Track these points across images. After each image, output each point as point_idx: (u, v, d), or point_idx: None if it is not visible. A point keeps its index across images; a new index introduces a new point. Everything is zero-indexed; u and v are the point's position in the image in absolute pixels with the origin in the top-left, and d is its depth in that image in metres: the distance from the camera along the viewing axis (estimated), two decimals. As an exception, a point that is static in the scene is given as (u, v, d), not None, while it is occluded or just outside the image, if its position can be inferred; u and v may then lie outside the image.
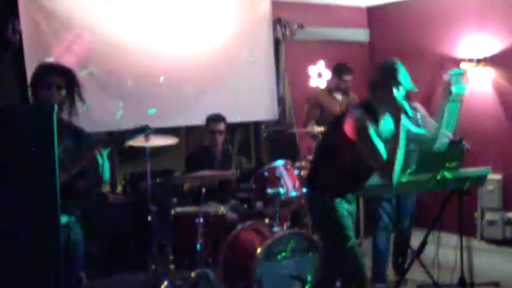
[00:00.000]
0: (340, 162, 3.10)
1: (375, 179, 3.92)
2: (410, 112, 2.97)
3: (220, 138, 4.77)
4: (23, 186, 1.85)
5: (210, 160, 4.71)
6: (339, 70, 5.48)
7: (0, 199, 1.83)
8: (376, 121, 3.05)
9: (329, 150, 3.17)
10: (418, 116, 4.35)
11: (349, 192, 3.19)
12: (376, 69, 3.19)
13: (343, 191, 3.16)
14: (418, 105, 4.39)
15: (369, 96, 3.16)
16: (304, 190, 4.34)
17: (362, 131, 2.95)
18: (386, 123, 3.11)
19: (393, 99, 3.00)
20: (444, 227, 4.07)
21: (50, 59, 4.74)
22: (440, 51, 6.14)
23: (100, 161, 2.73)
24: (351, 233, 3.13)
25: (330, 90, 5.59)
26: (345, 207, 3.15)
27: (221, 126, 4.75)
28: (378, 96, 3.08)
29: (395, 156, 2.91)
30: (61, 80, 2.86)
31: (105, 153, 2.77)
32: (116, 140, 2.86)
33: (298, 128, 5.82)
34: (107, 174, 2.82)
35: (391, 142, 2.96)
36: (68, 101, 2.89)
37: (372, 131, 2.96)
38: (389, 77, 3.05)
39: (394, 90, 3.01)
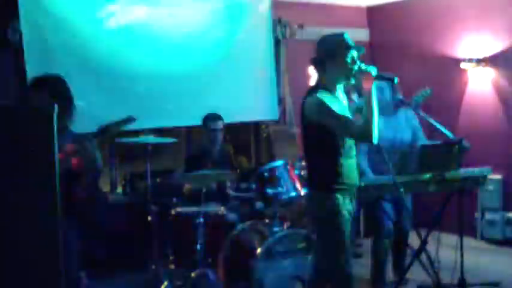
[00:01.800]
0: (327, 150, 3.06)
1: (374, 179, 3.94)
2: (372, 70, 2.92)
3: (219, 137, 4.77)
4: (23, 186, 1.85)
5: (211, 159, 4.71)
6: None
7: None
8: (335, 98, 3.05)
9: (312, 144, 3.15)
10: (412, 124, 4.35)
11: (346, 180, 3.11)
12: (320, 42, 3.12)
13: (341, 181, 3.09)
14: (409, 111, 4.37)
15: (319, 75, 3.11)
16: (304, 191, 4.36)
17: (321, 111, 2.94)
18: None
19: (346, 63, 2.98)
20: (444, 227, 4.08)
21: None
22: (440, 51, 6.14)
23: (93, 151, 2.85)
24: (348, 241, 3.09)
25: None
26: (347, 208, 3.10)
27: (219, 125, 4.75)
28: (332, 69, 3.03)
29: (371, 115, 2.88)
30: (45, 94, 2.90)
31: (94, 142, 2.89)
32: (102, 130, 2.91)
33: (298, 128, 5.81)
34: (99, 162, 2.96)
35: (366, 103, 2.92)
36: (62, 110, 2.90)
37: (329, 104, 2.94)
38: (338, 45, 3.03)
39: (349, 57, 2.99)
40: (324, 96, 2.99)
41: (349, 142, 3.09)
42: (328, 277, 3.24)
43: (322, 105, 2.95)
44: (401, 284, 4.18)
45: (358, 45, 3.09)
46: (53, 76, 3.07)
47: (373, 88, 2.92)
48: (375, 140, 2.93)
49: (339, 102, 3.10)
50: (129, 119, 3.02)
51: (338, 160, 3.05)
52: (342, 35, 3.08)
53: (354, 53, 3.02)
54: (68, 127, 3.03)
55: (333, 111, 2.94)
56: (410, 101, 4.30)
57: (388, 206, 4.20)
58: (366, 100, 2.91)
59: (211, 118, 4.74)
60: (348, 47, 3.02)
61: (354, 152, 3.14)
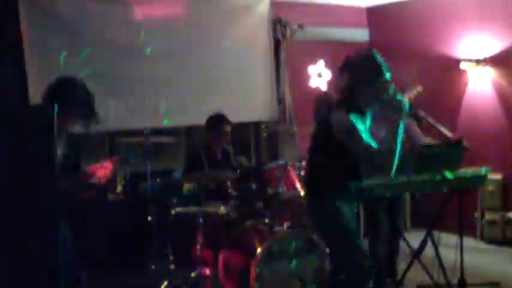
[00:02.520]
0: (336, 160, 3.05)
1: (374, 180, 3.93)
2: (405, 105, 2.87)
3: (225, 140, 4.77)
4: (22, 185, 1.85)
5: (211, 160, 4.71)
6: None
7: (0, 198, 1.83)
8: (363, 121, 2.98)
9: (322, 151, 3.13)
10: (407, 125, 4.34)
11: (347, 186, 3.12)
12: (356, 65, 3.01)
13: (345, 189, 3.11)
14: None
15: (349, 95, 3.01)
16: (302, 193, 4.36)
17: (350, 133, 2.89)
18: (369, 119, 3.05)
19: (384, 92, 2.89)
20: (444, 227, 4.07)
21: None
22: (440, 51, 6.14)
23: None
24: (358, 238, 3.13)
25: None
26: (348, 210, 3.11)
27: (228, 128, 4.75)
28: (364, 94, 2.95)
29: (394, 148, 2.85)
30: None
31: None
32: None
33: (298, 127, 5.81)
34: None
35: (390, 135, 2.89)
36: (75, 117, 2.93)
37: (358, 128, 2.88)
38: (374, 71, 2.91)
39: (382, 81, 2.89)
40: (354, 117, 2.91)
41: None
42: (349, 276, 3.23)
43: (352, 129, 2.88)
44: (400, 284, 4.17)
45: (389, 67, 2.93)
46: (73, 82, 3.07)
47: (401, 127, 2.85)
48: (392, 175, 2.93)
49: (367, 125, 3.03)
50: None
51: (341, 163, 3.06)
52: (371, 57, 2.93)
53: (385, 77, 2.91)
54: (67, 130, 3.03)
55: (359, 136, 2.87)
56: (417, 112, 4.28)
57: (385, 204, 4.20)
58: (394, 130, 2.85)
59: (221, 121, 4.72)
60: (379, 72, 2.89)
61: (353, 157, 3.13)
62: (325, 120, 3.04)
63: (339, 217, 3.07)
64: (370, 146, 2.88)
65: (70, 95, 3.01)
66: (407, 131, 4.28)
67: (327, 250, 3.55)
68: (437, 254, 3.87)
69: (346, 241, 3.09)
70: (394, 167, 2.87)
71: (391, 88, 2.90)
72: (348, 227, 3.09)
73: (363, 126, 2.93)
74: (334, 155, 3.05)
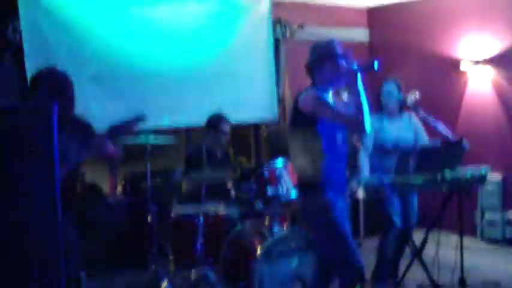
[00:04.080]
0: (312, 151, 3.15)
1: (375, 180, 3.94)
2: (353, 65, 3.11)
3: (225, 139, 4.78)
4: (23, 185, 1.85)
5: (211, 159, 4.71)
6: None
7: None
8: (326, 93, 3.26)
9: (298, 147, 3.22)
10: (414, 125, 4.35)
11: (338, 177, 3.23)
12: (312, 48, 3.37)
13: (333, 179, 3.18)
14: (412, 114, 4.37)
15: (312, 78, 3.36)
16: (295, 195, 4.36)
17: (319, 105, 3.13)
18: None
19: (340, 69, 3.19)
20: (444, 227, 4.07)
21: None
22: (440, 51, 6.14)
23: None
24: (348, 233, 3.16)
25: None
26: (339, 205, 3.18)
27: (228, 127, 4.75)
28: (319, 75, 3.28)
29: (361, 107, 3.07)
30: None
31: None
32: (112, 131, 2.93)
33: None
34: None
35: (354, 97, 3.11)
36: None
37: (325, 99, 3.17)
38: (327, 50, 3.27)
39: (337, 60, 3.22)
40: (319, 92, 3.22)
41: (338, 141, 3.21)
42: (340, 275, 3.27)
43: (317, 98, 3.16)
44: (400, 284, 4.17)
45: (346, 52, 3.27)
46: (50, 71, 3.05)
47: (359, 78, 3.10)
48: (368, 129, 3.11)
49: (332, 99, 3.30)
50: (139, 118, 3.03)
51: (326, 159, 3.15)
52: (330, 42, 3.31)
53: (341, 61, 3.23)
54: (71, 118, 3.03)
55: (328, 103, 3.17)
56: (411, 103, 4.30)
57: (396, 203, 4.20)
58: (355, 92, 3.10)
59: (220, 120, 4.72)
60: (334, 54, 3.24)
61: (343, 152, 3.27)
62: (296, 108, 3.24)
63: (329, 210, 3.14)
64: (339, 110, 3.18)
65: (45, 84, 2.99)
66: (416, 132, 4.30)
67: (316, 245, 3.56)
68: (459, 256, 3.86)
69: (336, 236, 3.15)
70: (367, 123, 3.09)
71: (345, 62, 3.20)
72: (338, 221, 3.15)
73: (329, 99, 3.24)
74: (310, 148, 3.16)
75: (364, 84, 3.12)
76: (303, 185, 3.31)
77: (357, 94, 3.09)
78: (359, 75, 3.11)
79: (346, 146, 3.31)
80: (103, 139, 3.00)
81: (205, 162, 4.56)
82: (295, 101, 3.26)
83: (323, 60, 3.27)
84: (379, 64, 3.08)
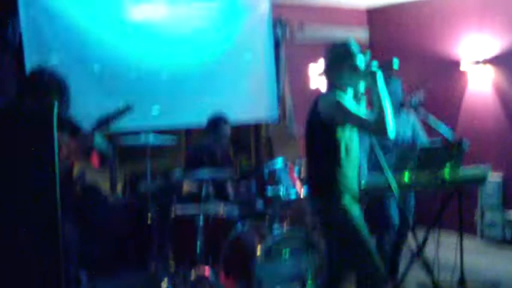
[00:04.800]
0: (331, 155, 3.08)
1: (376, 180, 3.94)
2: (373, 66, 3.05)
3: (225, 141, 4.78)
4: (23, 186, 1.85)
5: (211, 160, 4.71)
6: None
7: (0, 199, 1.83)
8: (348, 98, 3.14)
9: (321, 149, 3.15)
10: (412, 123, 4.35)
11: (354, 183, 3.15)
12: (330, 49, 3.25)
13: (350, 185, 3.11)
14: (410, 112, 4.37)
15: (330, 81, 3.24)
16: (305, 193, 4.35)
17: (340, 110, 3.02)
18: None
19: (359, 70, 3.10)
20: (444, 227, 4.07)
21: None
22: (440, 51, 6.14)
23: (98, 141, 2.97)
24: (367, 234, 3.08)
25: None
26: (356, 211, 3.09)
27: (228, 129, 4.76)
28: (341, 73, 3.15)
29: (383, 110, 2.96)
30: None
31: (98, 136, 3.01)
32: (101, 123, 2.95)
33: (298, 127, 5.81)
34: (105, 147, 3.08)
35: (376, 99, 3.01)
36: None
37: (346, 104, 3.03)
38: (344, 51, 3.15)
39: (355, 61, 3.13)
40: (340, 96, 3.08)
41: (354, 149, 3.14)
42: (360, 281, 3.16)
43: (338, 103, 3.03)
44: (400, 284, 4.17)
45: (363, 51, 3.19)
46: (44, 72, 3.06)
47: (381, 80, 3.02)
48: (391, 134, 2.98)
49: (353, 102, 3.18)
50: (126, 108, 3.05)
51: (344, 165, 3.08)
52: (346, 43, 3.20)
53: (359, 60, 3.13)
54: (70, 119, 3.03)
55: (349, 108, 3.02)
56: (411, 101, 4.30)
57: (393, 203, 4.20)
58: (376, 94, 2.99)
59: (221, 122, 4.72)
60: (352, 55, 3.14)
61: (358, 159, 3.20)
62: (315, 113, 3.14)
63: (348, 217, 3.05)
64: (362, 116, 3.02)
65: (40, 85, 2.99)
66: (414, 131, 4.30)
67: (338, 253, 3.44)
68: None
69: (357, 243, 3.06)
70: (390, 126, 2.98)
71: (364, 62, 3.13)
72: (360, 229, 3.06)
73: (351, 102, 3.11)
74: (329, 153, 3.08)
75: (385, 84, 3.04)
76: (319, 190, 3.19)
77: (378, 96, 2.99)
78: (379, 76, 3.03)
79: (360, 151, 3.27)
80: (88, 135, 3.00)
81: (205, 163, 4.56)
82: (314, 105, 3.16)
83: (340, 63, 3.15)
84: (398, 62, 3.04)
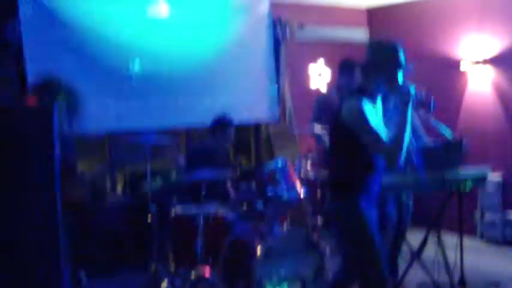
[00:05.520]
0: (354, 157, 2.96)
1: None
2: (412, 89, 2.83)
3: (227, 143, 4.78)
4: (23, 186, 1.85)
5: (211, 159, 4.71)
6: (349, 66, 4.85)
7: (0, 199, 1.83)
8: (374, 102, 2.94)
9: (339, 149, 3.05)
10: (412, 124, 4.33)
11: (371, 186, 3.02)
12: (375, 48, 2.99)
13: (367, 187, 2.99)
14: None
15: (362, 79, 3.01)
16: (305, 191, 4.35)
17: (359, 120, 2.83)
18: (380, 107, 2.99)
19: (397, 82, 2.89)
20: (444, 227, 4.07)
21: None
22: (440, 51, 6.14)
23: None
24: (377, 240, 2.98)
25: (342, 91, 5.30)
26: (373, 216, 3.00)
27: (232, 132, 4.75)
28: (378, 78, 2.91)
29: (401, 140, 2.79)
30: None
31: None
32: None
33: (298, 127, 5.81)
34: None
35: (399, 126, 2.83)
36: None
37: (368, 116, 2.83)
38: (392, 58, 2.90)
39: (398, 73, 2.89)
40: (366, 104, 2.87)
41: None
42: (354, 280, 3.13)
43: (361, 114, 2.83)
44: (400, 284, 4.17)
45: (407, 64, 2.96)
46: (51, 81, 3.06)
47: (409, 111, 2.83)
48: (400, 163, 2.84)
49: (378, 112, 2.99)
50: None
51: (367, 170, 2.97)
52: (397, 48, 2.96)
53: (402, 71, 2.93)
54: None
55: (369, 124, 2.82)
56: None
57: (392, 202, 4.19)
58: (402, 118, 2.82)
59: (228, 126, 4.71)
60: (400, 65, 2.92)
61: (380, 162, 3.04)
62: (337, 114, 2.97)
63: (363, 219, 2.95)
64: (379, 136, 2.83)
65: (52, 95, 2.99)
66: (414, 131, 4.29)
67: (348, 256, 3.36)
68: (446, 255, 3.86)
69: (365, 246, 2.97)
70: (401, 160, 2.82)
71: (404, 80, 2.90)
72: (372, 232, 2.97)
73: (373, 115, 2.89)
74: (352, 154, 2.96)
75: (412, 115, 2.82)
76: (338, 191, 3.06)
77: (404, 121, 2.79)
78: (411, 103, 2.82)
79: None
80: None
81: (205, 163, 4.56)
82: (339, 107, 2.96)
83: (382, 66, 2.90)
84: (434, 105, 2.88)
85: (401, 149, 2.80)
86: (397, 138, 2.81)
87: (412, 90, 2.84)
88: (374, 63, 2.93)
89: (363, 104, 2.85)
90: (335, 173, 3.14)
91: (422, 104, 2.91)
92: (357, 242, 3.02)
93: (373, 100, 2.95)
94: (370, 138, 2.84)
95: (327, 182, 3.21)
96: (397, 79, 2.89)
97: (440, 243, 3.92)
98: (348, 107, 2.90)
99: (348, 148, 2.97)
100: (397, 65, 2.90)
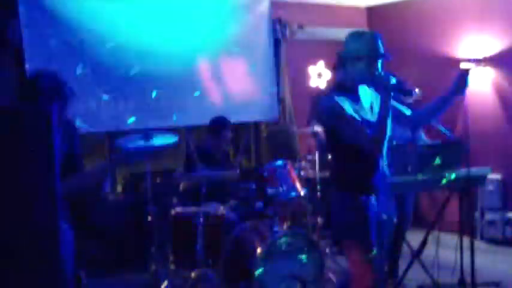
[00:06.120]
0: (347, 156, 2.93)
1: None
2: (392, 79, 2.78)
3: (225, 143, 4.78)
4: (23, 186, 1.85)
5: (211, 160, 4.71)
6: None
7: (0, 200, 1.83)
8: (356, 99, 2.88)
9: (333, 149, 3.04)
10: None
11: (368, 182, 2.95)
12: (353, 39, 2.88)
13: (364, 183, 2.94)
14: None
15: (340, 72, 2.96)
16: (305, 191, 4.35)
17: (338, 119, 2.80)
18: (365, 98, 2.95)
19: (377, 71, 2.83)
20: (444, 227, 4.07)
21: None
22: (440, 51, 6.14)
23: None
24: (372, 243, 2.91)
25: None
26: (370, 209, 2.93)
27: (229, 132, 4.75)
28: (357, 68, 2.84)
29: (383, 129, 2.77)
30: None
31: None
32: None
33: (298, 127, 5.81)
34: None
35: (380, 115, 2.80)
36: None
37: (348, 112, 2.79)
38: (370, 47, 2.81)
39: (377, 62, 2.83)
40: (340, 98, 2.83)
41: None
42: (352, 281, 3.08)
43: (342, 112, 2.79)
44: (400, 284, 4.17)
45: (387, 54, 2.89)
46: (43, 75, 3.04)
47: (390, 97, 2.80)
48: (383, 153, 2.84)
49: (358, 103, 2.92)
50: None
51: (357, 163, 2.92)
52: (376, 37, 2.86)
53: (380, 61, 2.87)
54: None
55: (347, 117, 2.79)
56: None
57: (390, 203, 4.18)
58: (384, 109, 2.79)
59: (223, 126, 4.71)
60: (379, 54, 2.85)
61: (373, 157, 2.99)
62: (318, 115, 3.03)
63: (357, 213, 2.90)
64: (360, 126, 2.80)
65: (39, 88, 2.96)
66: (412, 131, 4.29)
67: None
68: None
69: (364, 247, 2.91)
70: (383, 149, 2.82)
71: (382, 69, 2.86)
72: (364, 227, 2.91)
73: (353, 108, 2.85)
74: (345, 153, 2.93)
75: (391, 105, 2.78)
76: (334, 186, 3.04)
77: (386, 112, 2.76)
78: (391, 94, 2.78)
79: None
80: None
81: (205, 163, 4.56)
82: (317, 104, 3.00)
83: (360, 57, 2.82)
84: (415, 91, 2.85)
85: (384, 137, 2.78)
86: (379, 127, 2.78)
87: (393, 79, 2.79)
88: (353, 54, 2.86)
89: (339, 100, 2.81)
90: (332, 173, 3.13)
91: (404, 92, 2.86)
92: (354, 240, 2.96)
93: (354, 95, 2.90)
94: (350, 130, 2.80)
95: (328, 182, 3.21)
96: (376, 68, 2.84)
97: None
98: (325, 106, 2.87)
99: (339, 147, 2.94)
100: (376, 54, 2.84)
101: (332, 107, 2.82)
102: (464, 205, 3.98)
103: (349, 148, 2.88)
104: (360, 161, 2.91)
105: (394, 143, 4.20)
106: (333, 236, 3.73)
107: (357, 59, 2.84)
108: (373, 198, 2.94)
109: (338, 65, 3.02)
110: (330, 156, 3.24)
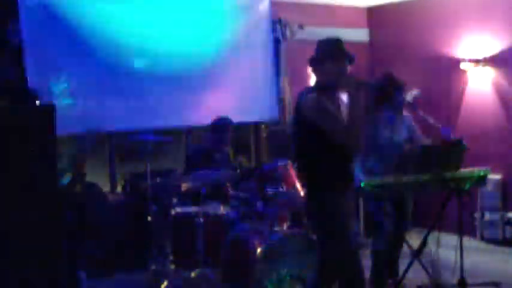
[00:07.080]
0: (323, 151, 3.08)
1: (375, 179, 3.94)
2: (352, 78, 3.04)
3: (226, 144, 4.78)
4: (23, 185, 1.85)
5: (211, 160, 4.71)
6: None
7: (0, 198, 1.83)
8: (333, 99, 3.10)
9: (307, 148, 3.16)
10: (407, 124, 4.34)
11: (345, 179, 3.16)
12: (320, 44, 3.24)
13: (340, 180, 3.13)
14: (406, 114, 4.35)
15: (317, 75, 3.20)
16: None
17: (319, 113, 3.00)
18: None
19: (345, 72, 3.09)
20: (444, 227, 4.07)
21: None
22: (440, 51, 6.14)
23: None
24: (352, 235, 3.09)
25: None
26: (344, 206, 3.11)
27: (229, 135, 4.75)
28: (328, 69, 3.12)
29: (356, 122, 2.97)
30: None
31: None
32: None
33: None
34: None
35: (351, 111, 3.00)
36: None
37: (329, 107, 3.01)
38: (336, 49, 3.14)
39: (345, 62, 3.10)
40: (320, 95, 3.05)
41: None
42: (333, 279, 3.18)
43: (318, 104, 3.01)
44: (400, 284, 4.17)
45: (351, 55, 3.17)
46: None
47: (358, 98, 3.00)
48: (359, 147, 3.04)
49: (335, 103, 3.14)
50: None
51: (329, 159, 3.08)
52: (340, 40, 3.21)
53: (343, 65, 3.13)
54: None
55: (327, 110, 3.01)
56: (413, 103, 4.28)
57: (389, 206, 4.19)
58: (356, 107, 2.99)
59: (227, 129, 4.71)
60: (344, 53, 3.14)
61: (343, 150, 3.16)
62: (297, 110, 3.14)
63: (332, 210, 3.07)
64: (337, 119, 3.01)
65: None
66: (410, 131, 4.29)
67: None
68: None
69: (338, 237, 3.08)
70: (359, 139, 3.03)
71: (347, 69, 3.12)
72: (341, 223, 3.08)
73: (333, 106, 3.07)
74: (320, 150, 3.08)
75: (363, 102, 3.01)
76: (307, 185, 3.25)
77: (358, 109, 2.98)
78: (359, 91, 3.01)
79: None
80: None
81: (205, 163, 4.56)
82: (297, 102, 3.16)
83: (324, 60, 3.13)
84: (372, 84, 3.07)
85: (358, 130, 2.98)
86: (352, 121, 2.97)
87: (359, 79, 3.07)
88: (321, 57, 3.16)
89: (318, 95, 3.04)
90: (302, 171, 3.29)
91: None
92: (329, 235, 3.12)
93: (332, 95, 3.12)
94: (328, 122, 2.99)
95: (303, 179, 3.33)
96: (345, 69, 3.09)
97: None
98: (304, 101, 3.07)
99: (309, 144, 3.11)
100: (342, 55, 3.11)
101: (313, 102, 3.03)
102: (464, 205, 3.98)
103: (329, 147, 3.04)
104: (338, 161, 3.08)
105: (394, 143, 4.22)
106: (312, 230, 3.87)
107: (322, 62, 3.15)
108: (343, 196, 3.12)
109: (315, 68, 3.25)
110: (302, 160, 3.32)
